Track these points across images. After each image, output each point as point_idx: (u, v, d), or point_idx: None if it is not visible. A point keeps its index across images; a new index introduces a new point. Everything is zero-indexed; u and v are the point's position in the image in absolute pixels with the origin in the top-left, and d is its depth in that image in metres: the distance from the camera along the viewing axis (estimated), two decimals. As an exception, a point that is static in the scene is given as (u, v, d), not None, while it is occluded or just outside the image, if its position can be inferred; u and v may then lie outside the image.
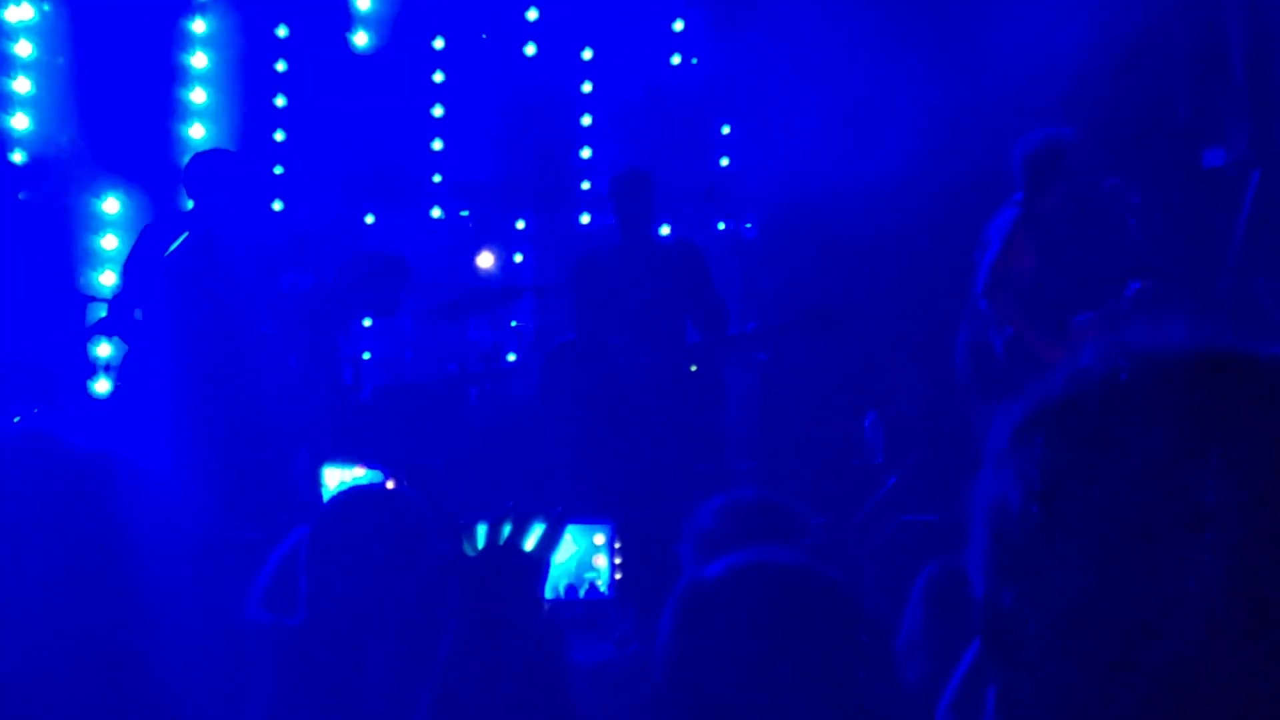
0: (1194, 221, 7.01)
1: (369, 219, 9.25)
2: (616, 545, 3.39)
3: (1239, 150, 7.20)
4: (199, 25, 8.53)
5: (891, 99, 7.78)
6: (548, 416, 7.13)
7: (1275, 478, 1.01)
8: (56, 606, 1.59)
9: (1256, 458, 1.02)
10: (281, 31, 8.95)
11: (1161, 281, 5.97)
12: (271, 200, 8.74)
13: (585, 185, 9.55)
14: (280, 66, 8.97)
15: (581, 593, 3.34)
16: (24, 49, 7.96)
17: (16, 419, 6.14)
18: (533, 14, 9.43)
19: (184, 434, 6.20)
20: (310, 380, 6.83)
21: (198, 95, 8.45)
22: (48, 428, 1.72)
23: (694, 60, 9.52)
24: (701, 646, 1.99)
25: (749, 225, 9.23)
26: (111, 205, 8.05)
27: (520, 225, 9.52)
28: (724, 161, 9.41)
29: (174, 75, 8.37)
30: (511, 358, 8.41)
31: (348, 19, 9.04)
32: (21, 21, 7.96)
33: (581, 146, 9.59)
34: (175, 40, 8.41)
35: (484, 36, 9.39)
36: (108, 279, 7.74)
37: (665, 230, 8.58)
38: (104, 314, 6.53)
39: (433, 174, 9.37)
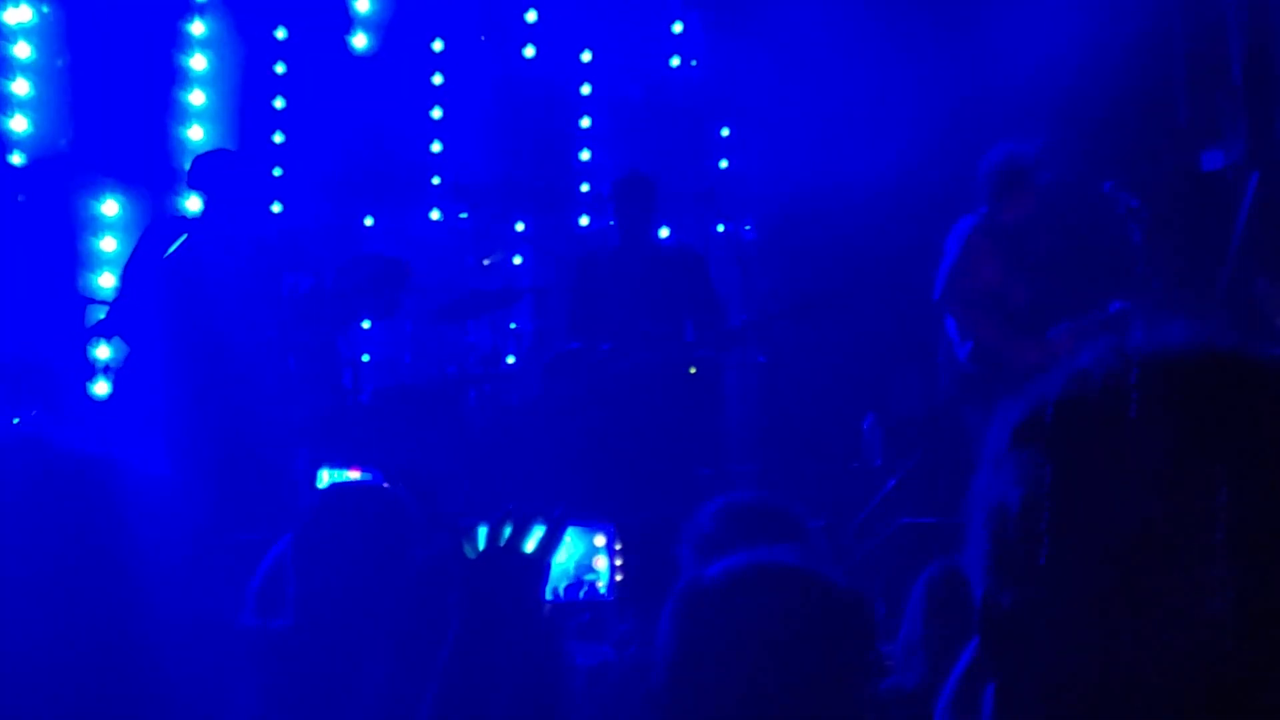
0: (1193, 224, 7.01)
1: (368, 221, 9.24)
2: (617, 547, 3.39)
3: (1237, 153, 7.21)
4: (198, 27, 8.51)
5: (890, 101, 7.78)
6: (548, 419, 7.13)
7: (1278, 480, 1.01)
8: (50, 609, 1.59)
9: (1259, 460, 1.01)
10: (280, 33, 8.94)
11: (1156, 290, 5.99)
12: (271, 202, 8.73)
13: (584, 187, 9.55)
14: (279, 68, 8.96)
15: (581, 594, 3.34)
16: (23, 51, 7.95)
17: (15, 421, 6.14)
18: (532, 16, 9.42)
19: (183, 436, 6.20)
20: (309, 382, 6.83)
21: (197, 97, 8.44)
22: (43, 431, 1.72)
23: (693, 62, 9.52)
24: (700, 648, 1.99)
25: (748, 227, 9.22)
26: (110, 207, 8.04)
27: (519, 227, 9.51)
28: (723, 164, 9.41)
29: (173, 77, 8.35)
30: (511, 360, 8.41)
31: (347, 21, 9.03)
32: (20, 23, 7.95)
33: (580, 148, 9.59)
34: (174, 42, 8.39)
35: (483, 38, 9.38)
36: (106, 281, 7.73)
37: (665, 233, 8.58)
38: (103, 316, 6.52)
39: (432, 176, 9.35)
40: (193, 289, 6.36)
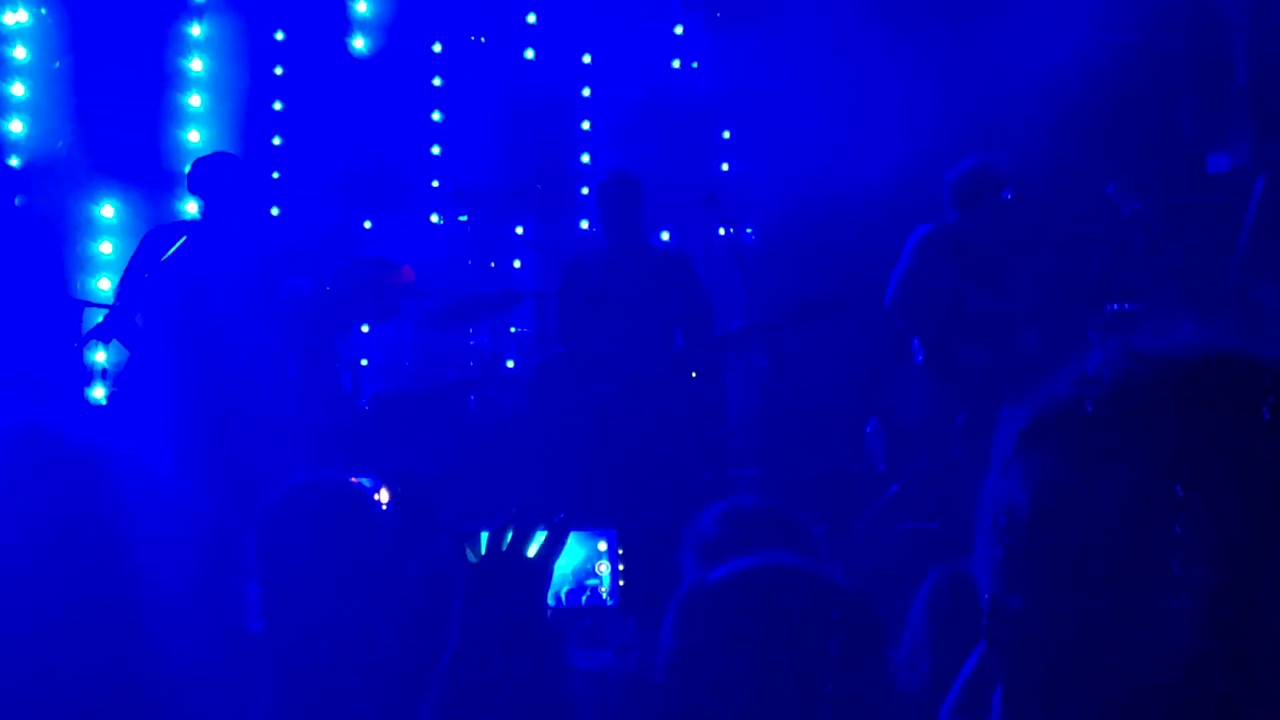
0: (1198, 227, 7.02)
1: (367, 224, 9.23)
2: (619, 552, 3.37)
3: (1243, 156, 7.22)
4: (196, 30, 8.52)
5: (893, 104, 7.78)
6: (545, 424, 7.11)
7: None
8: (49, 600, 1.57)
9: (1265, 462, 1.01)
10: (279, 36, 8.94)
11: (1160, 292, 6.01)
12: (270, 206, 8.72)
13: (585, 190, 9.54)
14: (278, 71, 8.96)
15: (583, 600, 3.32)
16: (20, 53, 7.96)
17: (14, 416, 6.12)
18: (532, 18, 9.44)
19: (182, 439, 6.19)
20: (309, 386, 6.82)
21: (195, 100, 8.44)
22: (43, 422, 1.70)
23: (694, 64, 9.53)
24: (703, 651, 1.99)
25: (749, 230, 9.21)
26: (108, 210, 8.04)
27: (519, 230, 9.50)
28: (724, 166, 9.40)
29: (171, 80, 8.36)
30: (511, 364, 8.40)
31: (346, 23, 9.04)
32: (18, 25, 7.96)
33: (581, 151, 9.59)
34: (173, 45, 8.40)
35: (482, 41, 9.38)
36: (104, 284, 7.72)
37: (665, 236, 8.56)
38: (100, 320, 6.51)
39: (431, 179, 9.36)
40: (192, 293, 6.36)
